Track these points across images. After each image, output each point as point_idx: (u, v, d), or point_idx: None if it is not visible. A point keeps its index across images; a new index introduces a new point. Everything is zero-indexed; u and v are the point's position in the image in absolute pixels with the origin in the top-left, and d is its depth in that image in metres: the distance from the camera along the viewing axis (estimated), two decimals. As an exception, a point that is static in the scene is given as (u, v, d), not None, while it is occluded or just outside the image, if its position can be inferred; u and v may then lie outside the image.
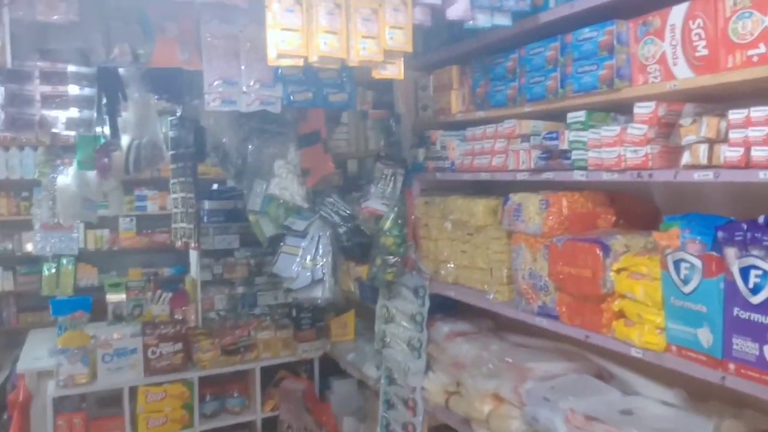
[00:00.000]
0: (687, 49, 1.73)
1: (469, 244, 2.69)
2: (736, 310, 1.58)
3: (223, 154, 3.59)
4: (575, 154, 2.06)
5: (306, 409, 4.02)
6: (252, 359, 4.06)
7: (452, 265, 2.81)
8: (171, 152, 4.17)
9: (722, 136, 1.63)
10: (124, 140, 3.78)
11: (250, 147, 3.35)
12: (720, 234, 1.63)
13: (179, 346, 3.88)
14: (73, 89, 3.10)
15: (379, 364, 3.40)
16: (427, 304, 2.96)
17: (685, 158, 1.72)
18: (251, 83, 2.52)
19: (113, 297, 4.18)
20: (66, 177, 4.03)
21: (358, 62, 1.93)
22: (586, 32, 2.02)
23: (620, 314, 1.93)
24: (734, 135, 1.58)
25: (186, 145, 4.03)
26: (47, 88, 3.04)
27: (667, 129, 1.81)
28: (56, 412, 3.65)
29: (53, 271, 5.72)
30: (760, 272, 1.52)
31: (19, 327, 5.58)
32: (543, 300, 2.23)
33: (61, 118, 3.13)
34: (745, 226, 1.57)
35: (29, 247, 5.77)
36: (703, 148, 1.66)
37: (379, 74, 2.03)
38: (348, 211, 3.27)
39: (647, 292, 1.81)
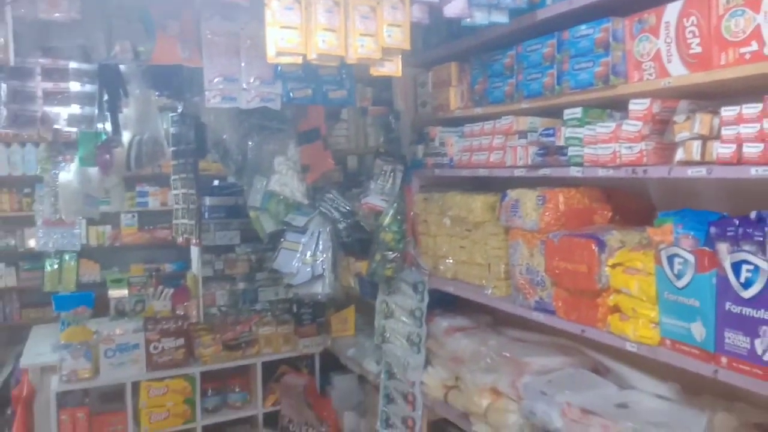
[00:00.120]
0: (681, 47, 1.75)
1: (467, 240, 2.71)
2: (728, 305, 1.60)
3: (223, 151, 3.61)
4: (571, 151, 2.08)
5: (307, 404, 4.05)
6: (253, 354, 4.09)
7: (451, 261, 2.83)
8: (172, 149, 4.19)
9: (715, 133, 1.65)
10: (126, 137, 3.80)
11: (250, 143, 3.37)
12: (712, 229, 1.65)
13: (181, 341, 3.91)
14: (74, 86, 3.12)
15: (379, 359, 3.43)
16: (426, 299, 2.99)
17: (679, 155, 1.74)
18: (251, 80, 2.54)
19: (115, 293, 4.20)
20: (68, 173, 4.06)
21: (356, 60, 1.95)
22: (583, 29, 2.04)
23: (615, 309, 1.95)
24: (726, 132, 1.60)
25: (187, 141, 4.06)
26: (49, 85, 3.05)
27: (661, 126, 1.83)
28: (59, 406, 3.68)
29: (55, 267, 5.75)
30: (751, 267, 1.54)
31: (22, 322, 5.61)
32: (540, 295, 2.25)
33: (62, 114, 3.14)
34: (737, 222, 1.60)
35: (32, 243, 5.80)
36: (696, 145, 1.68)
37: (377, 71, 2.05)
38: (348, 207, 3.29)
39: (642, 286, 1.84)
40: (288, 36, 1.85)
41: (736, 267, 1.57)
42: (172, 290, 4.30)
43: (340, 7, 1.93)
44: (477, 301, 2.67)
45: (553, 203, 2.21)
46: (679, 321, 1.73)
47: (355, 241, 3.45)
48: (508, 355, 2.49)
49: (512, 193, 2.38)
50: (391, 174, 3.04)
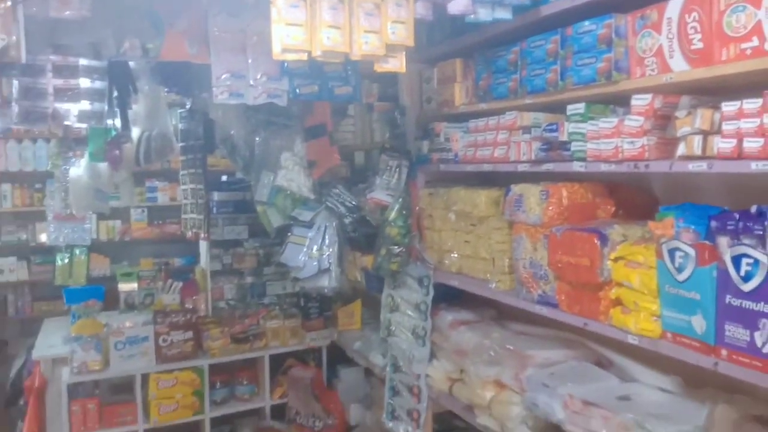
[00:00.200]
0: (683, 42, 1.76)
1: (471, 235, 2.74)
2: (728, 298, 1.62)
3: (231, 146, 3.65)
4: (574, 146, 2.10)
5: (314, 397, 4.10)
6: (261, 347, 4.13)
7: (456, 255, 2.86)
8: (180, 144, 4.23)
9: (716, 128, 1.66)
10: (135, 132, 3.85)
11: (257, 139, 3.41)
12: (713, 223, 1.67)
13: (189, 334, 3.95)
14: (84, 82, 3.16)
15: (384, 353, 3.47)
16: (431, 293, 3.01)
17: (680, 149, 1.76)
18: (258, 76, 2.57)
19: (125, 286, 4.26)
20: (78, 168, 4.11)
21: (360, 56, 1.98)
22: (586, 25, 2.06)
23: (617, 302, 1.97)
24: (727, 126, 1.61)
25: (195, 137, 4.10)
26: (59, 82, 3.10)
27: (663, 121, 1.85)
28: (71, 397, 3.74)
29: (66, 261, 5.82)
30: (751, 260, 1.55)
31: (34, 315, 5.68)
32: (543, 288, 2.28)
33: (73, 110, 3.19)
34: (737, 216, 1.61)
35: (43, 238, 5.86)
36: (697, 140, 1.70)
37: (381, 68, 2.08)
38: (354, 202, 3.32)
39: (643, 280, 1.86)
40: (293, 33, 1.88)
41: (737, 260, 1.59)
42: (180, 284, 4.36)
43: (344, 5, 1.96)
44: (481, 294, 2.70)
45: (557, 198, 2.23)
46: (680, 314, 1.75)
47: (362, 235, 3.48)
48: (511, 348, 2.52)
49: (516, 188, 2.40)
50: (397, 169, 3.07)
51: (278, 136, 3.35)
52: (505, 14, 2.17)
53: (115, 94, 3.35)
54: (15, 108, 3.10)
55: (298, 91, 2.62)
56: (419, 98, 3.11)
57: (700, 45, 1.72)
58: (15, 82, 3.05)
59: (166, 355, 3.89)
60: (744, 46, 1.60)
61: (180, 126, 4.24)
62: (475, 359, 2.64)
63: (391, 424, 3.33)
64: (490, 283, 2.60)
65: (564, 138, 2.15)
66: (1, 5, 1.96)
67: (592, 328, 2.08)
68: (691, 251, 1.70)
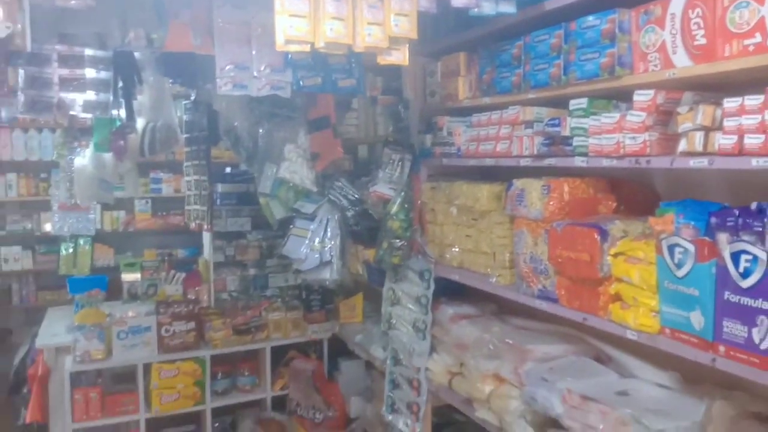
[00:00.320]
0: (686, 38, 1.76)
1: (473, 229, 2.74)
2: (726, 294, 1.62)
3: (234, 138, 3.65)
4: (576, 141, 2.10)
5: (315, 389, 4.11)
6: (262, 339, 4.15)
7: (457, 249, 2.86)
8: (185, 135, 4.24)
9: (717, 124, 1.66)
10: (140, 123, 3.86)
11: (261, 131, 3.42)
12: (713, 219, 1.67)
13: (192, 325, 3.97)
14: (90, 72, 3.17)
15: (385, 346, 3.48)
16: (432, 287, 3.02)
17: (682, 145, 1.75)
18: (262, 68, 2.58)
19: (128, 276, 4.28)
20: (83, 159, 4.13)
21: (363, 48, 1.98)
22: (590, 20, 2.05)
23: (616, 297, 1.97)
24: (728, 123, 1.61)
25: (200, 128, 4.11)
26: (65, 71, 3.11)
27: (665, 117, 1.85)
28: (73, 386, 3.76)
29: (71, 250, 5.86)
30: (750, 257, 1.55)
31: (38, 304, 5.73)
32: (543, 283, 2.28)
33: (78, 100, 3.20)
34: (737, 212, 1.61)
35: (48, 227, 5.90)
36: (698, 136, 1.69)
37: (384, 60, 2.08)
38: (356, 195, 3.33)
39: (643, 276, 1.86)
40: (296, 24, 1.89)
41: (736, 257, 1.59)
42: (183, 275, 4.38)
43: (348, -4, 1.96)
44: (482, 289, 2.71)
45: (558, 193, 2.23)
46: (679, 310, 1.76)
47: (364, 229, 3.49)
48: (511, 342, 2.53)
49: (518, 183, 2.40)
50: (400, 163, 3.07)
51: (282, 128, 3.36)
52: (508, 8, 2.17)
53: (120, 84, 3.35)
54: (21, 97, 3.12)
55: (301, 83, 2.62)
56: (423, 92, 3.12)
57: (703, 41, 1.71)
58: (21, 72, 3.07)
59: (168, 345, 3.91)
60: (747, 42, 1.59)
61: (185, 117, 4.25)
62: (475, 353, 2.65)
63: (390, 417, 3.34)
64: (490, 277, 2.61)
65: (566, 133, 2.15)
66: (7, -7, 1.97)
67: (591, 323, 2.08)
68: (691, 247, 1.70)
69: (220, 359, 4.10)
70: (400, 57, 2.08)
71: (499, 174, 2.80)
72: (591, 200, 2.27)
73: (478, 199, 2.64)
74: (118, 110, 3.52)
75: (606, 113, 2.00)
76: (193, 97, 4.12)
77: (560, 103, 2.28)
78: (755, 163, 1.54)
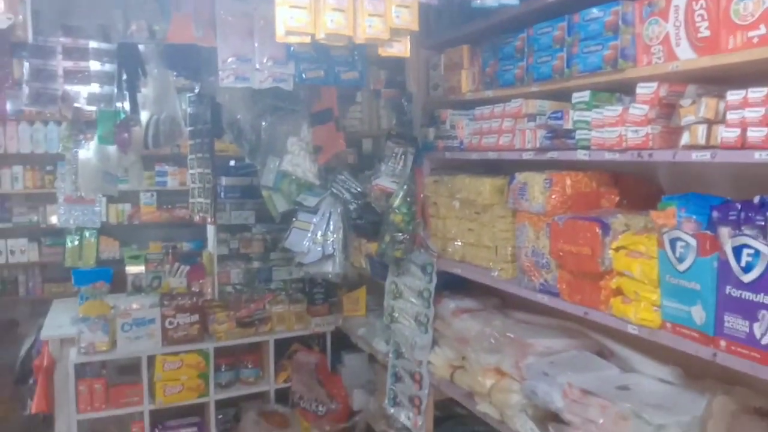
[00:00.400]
0: (690, 30, 1.74)
1: (475, 223, 2.73)
2: (728, 288, 1.61)
3: (237, 131, 3.65)
4: (579, 134, 2.09)
5: (318, 381, 4.12)
6: (266, 332, 4.16)
7: (459, 243, 2.86)
8: (189, 128, 4.24)
9: (720, 117, 1.65)
10: (144, 116, 3.86)
11: (263, 124, 3.41)
12: (715, 213, 1.66)
13: (196, 317, 3.98)
14: (94, 65, 3.18)
15: (388, 339, 3.48)
16: (435, 280, 3.02)
17: (684, 139, 1.74)
18: (264, 60, 2.57)
19: (133, 269, 4.29)
20: (87, 151, 4.14)
21: (364, 40, 1.97)
22: (593, 12, 2.03)
23: (618, 291, 1.96)
24: (731, 116, 1.59)
25: (204, 121, 4.11)
26: (69, 64, 3.12)
27: (668, 110, 1.83)
28: (78, 377, 3.78)
29: (76, 243, 5.88)
30: (752, 251, 1.54)
31: (44, 296, 5.75)
32: (545, 277, 2.27)
33: (82, 93, 3.21)
34: (739, 206, 1.60)
35: (53, 220, 5.93)
36: (701, 129, 1.68)
37: (385, 52, 2.07)
38: (359, 189, 3.32)
39: (644, 270, 1.85)
40: (297, 15, 1.88)
41: (737, 251, 1.58)
42: (188, 267, 4.38)
43: (349, -12, 1.94)
44: (484, 283, 2.70)
45: (560, 186, 2.22)
46: (680, 304, 1.75)
47: (367, 222, 3.48)
48: (512, 336, 2.52)
49: (520, 176, 2.39)
50: (402, 156, 3.06)
51: (285, 121, 3.35)
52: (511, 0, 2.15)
53: (125, 77, 3.36)
54: (25, 89, 3.13)
55: (304, 75, 2.62)
56: (426, 85, 3.10)
57: (707, 33, 1.69)
58: (25, 64, 3.08)
59: (172, 337, 3.92)
60: (751, 34, 1.57)
61: (189, 110, 4.26)
62: (476, 347, 2.64)
63: (392, 410, 3.35)
64: (492, 271, 2.60)
65: (569, 126, 2.13)
66: (8, -16, 1.97)
67: (592, 318, 2.07)
68: (693, 241, 1.68)
69: (224, 351, 4.11)
70: (401, 49, 2.07)
71: (503, 167, 2.79)
72: (593, 194, 2.25)
73: (480, 193, 2.63)
74: (123, 103, 3.51)
75: (609, 106, 1.99)
76: (197, 90, 4.12)
77: (563, 96, 2.26)
78: (758, 156, 1.53)
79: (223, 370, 4.10)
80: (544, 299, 2.28)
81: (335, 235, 3.29)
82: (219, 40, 2.50)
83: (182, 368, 3.92)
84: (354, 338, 4.02)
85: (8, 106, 4.98)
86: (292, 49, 2.56)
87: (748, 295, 1.55)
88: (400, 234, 3.06)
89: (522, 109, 2.36)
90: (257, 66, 2.56)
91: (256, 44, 2.54)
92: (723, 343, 1.63)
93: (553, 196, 2.22)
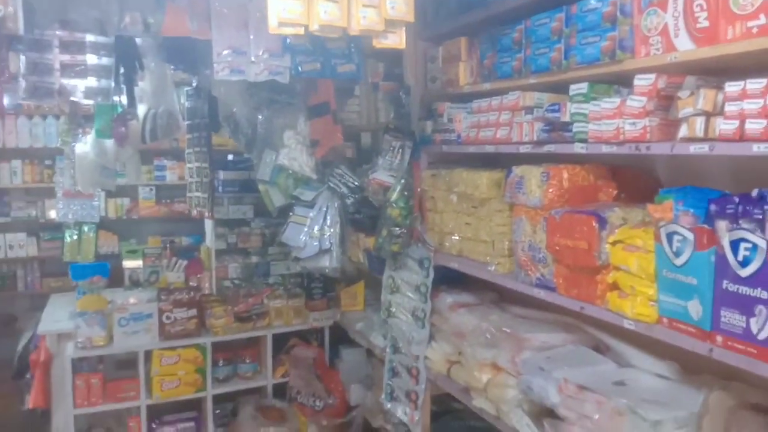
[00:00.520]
0: (689, 21, 1.72)
1: (473, 217, 2.71)
2: (725, 283, 1.58)
3: (234, 124, 3.63)
4: (576, 127, 2.06)
5: (316, 376, 4.11)
6: (264, 326, 4.14)
7: (456, 237, 2.84)
8: (187, 122, 4.22)
9: (719, 109, 1.62)
10: (141, 110, 3.84)
11: (260, 117, 3.39)
12: (712, 207, 1.64)
13: (193, 312, 3.96)
14: (91, 58, 3.17)
15: (386, 334, 3.47)
16: (432, 275, 3.00)
17: (682, 131, 1.71)
18: (260, 53, 2.55)
19: (130, 263, 4.28)
20: (84, 145, 4.12)
21: (358, 31, 1.94)
22: (592, 3, 2.01)
23: (614, 286, 1.94)
24: (730, 108, 1.57)
25: (201, 115, 4.08)
26: (66, 57, 3.11)
27: (666, 102, 1.80)
28: (75, 372, 3.77)
29: (75, 237, 5.87)
30: (749, 245, 1.52)
31: (43, 291, 5.74)
32: (541, 272, 2.25)
33: (79, 86, 3.20)
34: (736, 199, 1.58)
35: (52, 214, 5.91)
36: (699, 121, 1.65)
37: (380, 43, 2.05)
38: (356, 183, 3.30)
39: (641, 264, 1.82)
40: (290, 6, 1.85)
41: (735, 245, 1.55)
42: (185, 262, 4.37)
43: (343, -22, 1.92)
44: (481, 277, 2.68)
45: (557, 180, 2.20)
46: (677, 299, 1.72)
47: (366, 216, 3.47)
48: (508, 330, 2.50)
49: (517, 170, 2.37)
50: (400, 150, 3.04)
51: (281, 115, 3.33)
52: (509, -10, 2.13)
53: (122, 70, 3.34)
54: (22, 83, 3.11)
55: (300, 68, 2.60)
56: (424, 78, 3.08)
57: (705, 23, 1.67)
58: (22, 57, 3.06)
59: (169, 332, 3.91)
60: (750, 24, 1.55)
61: (186, 104, 4.23)
62: (472, 342, 2.63)
63: (389, 405, 3.34)
64: (489, 265, 2.58)
65: (566, 119, 2.11)
66: (-2, -25, 1.95)
67: (588, 312, 2.05)
68: (690, 235, 1.66)
69: (222, 346, 4.09)
70: (396, 40, 2.05)
71: (501, 161, 2.77)
72: (591, 187, 2.23)
73: (477, 187, 2.61)
74: (120, 96, 3.50)
75: (606, 98, 1.96)
76: (194, 84, 4.10)
77: (561, 88, 2.23)
78: (756, 149, 1.50)
79: (220, 364, 4.08)
80: (541, 294, 2.26)
81: (332, 230, 3.27)
82: (214, 32, 2.49)
83: (179, 363, 3.90)
84: (352, 333, 4.01)
85: (5, 100, 4.98)
86: (288, 41, 2.54)
87: (745, 289, 1.53)
88: (397, 228, 3.04)
89: (519, 101, 2.34)
90: (253, 59, 2.54)
91: (251, 36, 2.52)
92: (719, 338, 1.61)
93: (550, 190, 2.20)
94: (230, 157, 5.03)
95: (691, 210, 1.70)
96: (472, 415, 2.79)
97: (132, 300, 3.91)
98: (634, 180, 2.28)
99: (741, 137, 1.54)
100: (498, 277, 2.52)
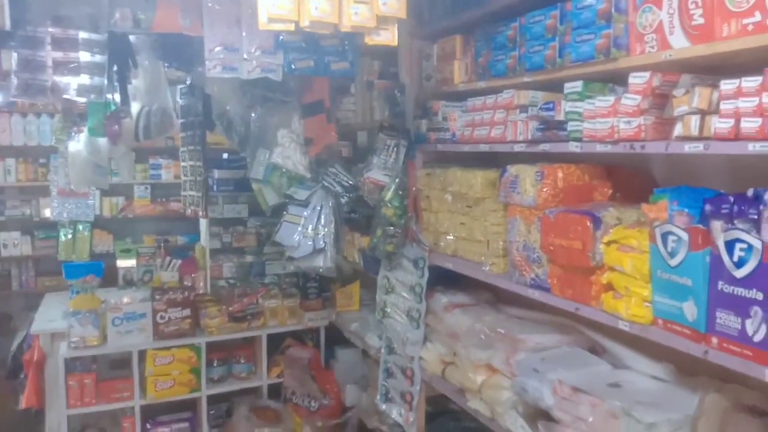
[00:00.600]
0: (684, 18, 1.69)
1: (467, 216, 2.69)
2: (720, 284, 1.56)
3: (227, 122, 3.60)
4: (571, 125, 2.04)
5: (311, 376, 4.09)
6: (259, 326, 4.11)
7: (451, 237, 2.81)
8: (181, 121, 4.19)
9: (714, 108, 1.60)
10: (134, 107, 3.81)
11: (253, 115, 3.36)
12: (707, 207, 1.61)
13: (187, 311, 3.93)
14: (84, 56, 3.14)
15: (381, 334, 3.44)
16: (427, 275, 2.97)
17: (677, 130, 1.69)
18: (252, 50, 2.53)
19: (124, 262, 4.24)
20: (77, 143, 4.09)
21: (350, 28, 1.92)
22: (587, 0, 1.98)
23: (609, 287, 1.92)
24: (725, 106, 1.54)
25: (195, 113, 4.06)
26: (59, 55, 3.08)
27: (661, 100, 1.78)
28: (68, 372, 3.74)
29: (70, 236, 5.83)
30: (744, 246, 1.49)
31: (38, 290, 5.71)
32: (536, 272, 2.23)
33: (72, 84, 3.17)
34: (732, 199, 1.56)
35: (47, 213, 5.87)
36: (694, 120, 1.63)
37: (372, 40, 2.02)
38: (350, 182, 3.27)
39: (635, 264, 1.80)
40: (280, 2, 1.82)
41: (730, 245, 1.53)
42: (179, 261, 4.34)
43: (334, -26, 1.89)
44: (475, 278, 2.65)
45: (552, 179, 2.17)
46: (672, 300, 1.70)
47: (361, 216, 3.44)
48: (502, 331, 2.48)
49: (512, 169, 2.34)
50: (395, 148, 3.01)
51: (275, 113, 3.30)
52: (503, -13, 2.10)
53: (115, 68, 3.31)
54: (14, 80, 3.08)
55: (293, 65, 2.57)
56: (419, 76, 3.05)
57: (701, 20, 1.64)
58: (14, 54, 3.04)
59: (163, 332, 3.88)
60: (746, 21, 1.52)
61: (180, 102, 4.20)
62: (467, 342, 2.60)
63: (384, 406, 3.31)
64: (484, 265, 2.55)
65: (561, 117, 2.08)
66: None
67: (583, 313, 2.03)
68: (684, 235, 1.64)
69: (216, 346, 4.06)
70: (388, 37, 2.02)
71: (497, 160, 2.74)
72: (586, 187, 2.20)
73: (472, 186, 2.58)
74: (113, 94, 3.46)
75: (601, 97, 1.94)
76: (188, 82, 4.07)
77: (556, 86, 2.21)
78: (752, 148, 1.48)
79: (215, 365, 4.06)
80: (535, 294, 2.23)
81: (326, 229, 3.24)
82: (206, 29, 2.46)
83: (173, 363, 3.88)
84: (347, 333, 3.98)
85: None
86: (281, 38, 2.51)
87: (740, 290, 1.51)
88: (392, 228, 3.01)
89: (514, 100, 2.31)
90: (245, 56, 2.52)
91: (243, 33, 2.50)
92: (715, 340, 1.59)
93: (545, 189, 2.17)
94: (225, 155, 5.00)
95: (686, 210, 1.67)
96: (468, 416, 2.77)
97: (125, 299, 3.88)
98: (630, 179, 2.25)
99: (736, 136, 1.52)
100: (492, 277, 2.50)
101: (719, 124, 1.55)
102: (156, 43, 3.50)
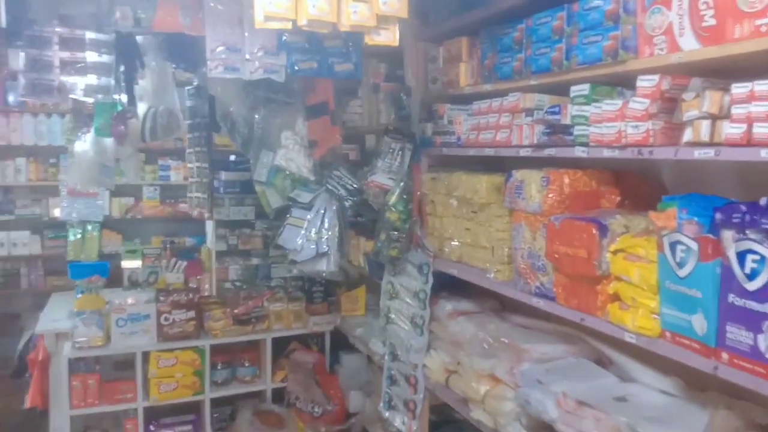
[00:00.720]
0: (694, 19, 1.63)
1: (472, 222, 2.62)
2: (731, 297, 1.49)
3: (230, 123, 3.57)
4: (577, 130, 1.98)
5: (315, 381, 4.04)
6: (263, 330, 4.08)
7: (456, 243, 2.75)
8: (187, 122, 4.17)
9: (725, 112, 1.53)
10: (141, 108, 3.79)
11: (256, 116, 3.32)
12: (718, 216, 1.54)
13: (192, 314, 3.91)
14: (91, 56, 3.13)
15: (385, 340, 3.38)
16: (431, 281, 2.92)
17: (687, 135, 1.62)
18: (255, 50, 2.49)
19: (129, 263, 4.22)
20: (84, 143, 4.08)
21: (349, 27, 1.87)
22: (594, 0, 1.92)
23: (615, 297, 1.85)
24: (737, 110, 1.47)
25: (202, 114, 4.03)
26: (66, 54, 3.07)
27: (671, 104, 1.71)
28: (72, 372, 3.74)
29: (79, 236, 5.83)
30: (757, 257, 1.42)
31: (46, 290, 5.71)
32: (541, 280, 2.16)
33: (79, 84, 3.16)
34: (743, 208, 1.48)
35: (56, 213, 5.89)
36: (705, 125, 1.56)
37: (372, 40, 1.97)
38: (355, 185, 3.22)
39: (643, 275, 1.73)
40: (276, 0, 1.78)
41: (741, 256, 1.46)
42: (185, 263, 4.31)
43: (333, -28, 1.85)
44: (479, 285, 2.59)
45: (557, 185, 2.11)
46: (680, 312, 1.63)
47: (367, 220, 3.39)
48: (506, 341, 2.41)
49: (517, 174, 2.28)
50: (400, 152, 2.96)
51: (279, 114, 3.26)
52: (509, -13, 2.04)
53: (122, 68, 3.29)
54: (21, 80, 3.08)
55: (296, 66, 2.53)
56: (424, 78, 2.99)
57: (712, 22, 1.58)
58: (21, 54, 3.03)
59: (167, 333, 3.86)
60: (759, 22, 1.46)
61: (187, 103, 4.18)
62: (470, 351, 2.54)
63: (387, 414, 3.26)
64: (488, 272, 2.49)
65: (567, 121, 2.02)
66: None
67: (589, 324, 1.97)
68: (694, 245, 1.57)
69: (221, 349, 4.03)
70: (389, 37, 1.97)
71: (504, 165, 2.68)
72: (593, 193, 2.14)
73: (477, 191, 2.52)
74: (120, 94, 3.45)
75: (608, 100, 1.87)
76: (195, 83, 4.04)
77: (563, 89, 2.14)
78: (765, 154, 1.41)
79: (219, 367, 4.03)
80: (540, 303, 2.17)
81: (330, 233, 3.19)
82: (207, 28, 2.42)
83: (177, 365, 3.85)
84: (352, 338, 3.93)
85: (10, 98, 4.96)
86: (283, 39, 2.46)
87: (752, 304, 1.44)
88: (396, 232, 2.96)
89: (519, 103, 2.25)
90: (247, 56, 2.48)
91: (246, 34, 2.46)
92: (725, 355, 1.51)
93: (550, 195, 2.11)
94: (232, 157, 4.96)
95: (696, 218, 1.60)
96: (472, 426, 2.69)
97: (130, 300, 3.87)
98: (638, 186, 2.19)
99: (748, 142, 1.45)
100: (497, 284, 2.44)
101: (730, 130, 1.48)
102: (163, 44, 3.48)
